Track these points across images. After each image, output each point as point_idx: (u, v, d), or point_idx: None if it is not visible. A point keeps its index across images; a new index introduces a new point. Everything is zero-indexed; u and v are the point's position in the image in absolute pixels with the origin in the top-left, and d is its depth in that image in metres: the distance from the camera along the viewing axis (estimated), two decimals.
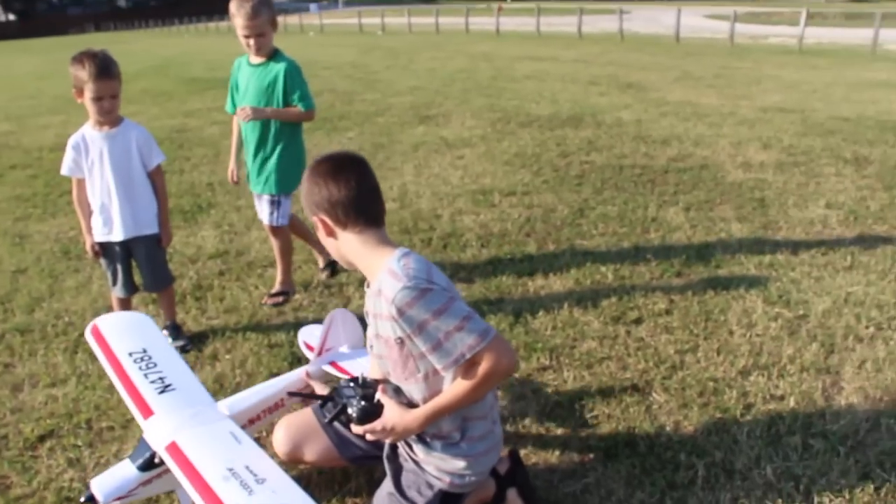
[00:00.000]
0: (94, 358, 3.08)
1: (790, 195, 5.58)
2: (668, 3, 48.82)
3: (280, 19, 4.09)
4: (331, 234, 1.87)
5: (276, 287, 4.03)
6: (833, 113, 8.95)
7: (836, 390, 2.94)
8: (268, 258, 4.48)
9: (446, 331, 1.71)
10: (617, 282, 4.06)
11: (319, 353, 2.64)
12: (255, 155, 3.77)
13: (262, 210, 3.89)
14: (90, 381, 3.20)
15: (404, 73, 13.66)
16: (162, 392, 2.12)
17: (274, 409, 2.32)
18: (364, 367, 2.46)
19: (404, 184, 6.26)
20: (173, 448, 1.84)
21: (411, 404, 1.91)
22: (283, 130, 3.73)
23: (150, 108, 10.25)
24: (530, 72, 13.38)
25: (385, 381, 1.96)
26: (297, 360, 3.24)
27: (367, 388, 1.91)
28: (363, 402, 1.87)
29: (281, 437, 2.20)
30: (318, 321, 3.68)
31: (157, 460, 2.04)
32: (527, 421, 2.81)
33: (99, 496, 2.02)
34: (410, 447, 2.02)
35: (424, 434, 1.96)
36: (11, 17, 74.07)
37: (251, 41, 3.56)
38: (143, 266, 3.43)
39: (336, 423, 2.17)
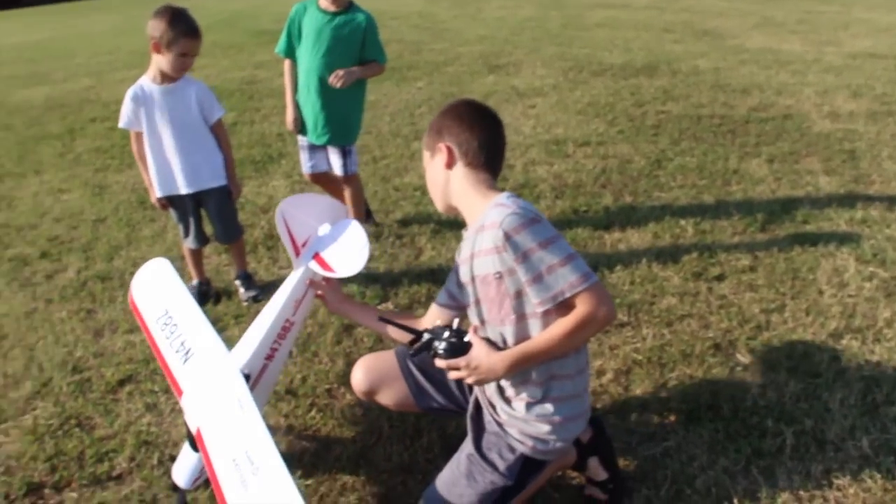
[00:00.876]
0: None
1: (884, 146, 5.21)
2: None
3: None
4: (450, 165, 1.90)
5: None
6: None
7: None
8: None
9: (550, 264, 1.66)
10: (697, 236, 3.88)
11: (297, 254, 2.37)
12: (325, 106, 3.66)
13: (332, 160, 3.83)
14: None
15: (472, 21, 13.30)
16: (186, 361, 2.09)
17: (284, 334, 2.19)
18: (359, 238, 2.24)
19: None
20: (199, 438, 1.86)
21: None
22: (357, 82, 3.66)
23: (221, 61, 10.30)
24: (602, 19, 12.86)
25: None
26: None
27: (459, 331, 1.87)
28: (452, 339, 1.83)
29: (360, 377, 2.20)
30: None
31: None
32: (604, 380, 2.72)
33: (181, 484, 2.08)
34: (494, 408, 1.95)
35: (505, 390, 1.89)
36: None
37: None
38: (213, 218, 3.46)
39: (417, 374, 2.16)
